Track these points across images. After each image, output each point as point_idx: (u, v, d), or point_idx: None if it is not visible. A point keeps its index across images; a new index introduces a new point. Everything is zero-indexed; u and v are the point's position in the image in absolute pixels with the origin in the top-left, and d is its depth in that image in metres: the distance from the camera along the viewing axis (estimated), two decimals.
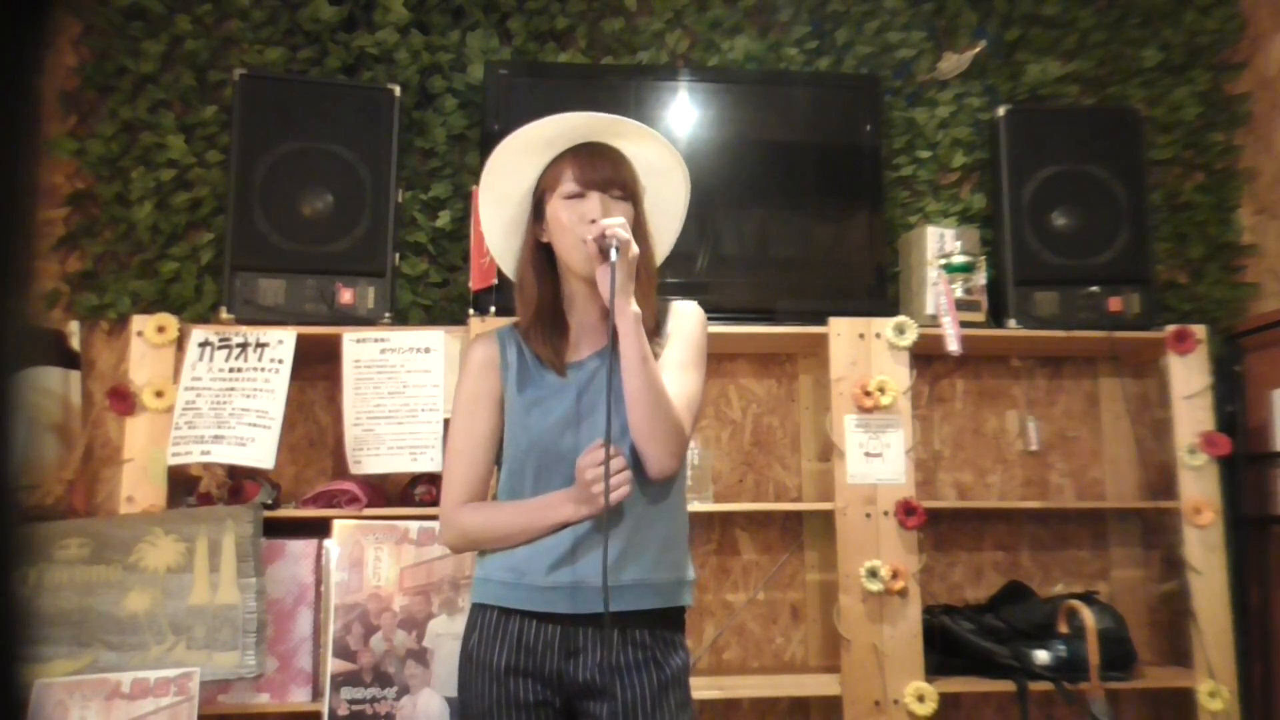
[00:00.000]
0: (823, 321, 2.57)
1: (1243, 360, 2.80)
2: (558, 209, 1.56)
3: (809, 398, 2.83)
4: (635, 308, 1.48)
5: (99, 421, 2.62)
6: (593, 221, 1.51)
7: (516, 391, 1.59)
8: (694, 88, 2.76)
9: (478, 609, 1.59)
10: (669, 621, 1.57)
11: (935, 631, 2.53)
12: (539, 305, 1.59)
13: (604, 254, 1.46)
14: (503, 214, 1.64)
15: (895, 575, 2.44)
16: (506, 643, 1.53)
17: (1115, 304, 2.64)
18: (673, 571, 1.57)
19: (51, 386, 2.57)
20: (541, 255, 1.61)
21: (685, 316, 1.64)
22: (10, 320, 0.43)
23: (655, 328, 1.61)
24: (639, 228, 1.57)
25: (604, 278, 1.46)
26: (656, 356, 1.56)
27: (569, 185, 1.55)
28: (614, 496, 1.43)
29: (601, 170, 1.55)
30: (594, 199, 1.54)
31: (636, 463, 1.53)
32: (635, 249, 1.48)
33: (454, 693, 2.04)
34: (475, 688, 1.54)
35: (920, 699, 2.39)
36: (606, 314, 1.51)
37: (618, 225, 1.47)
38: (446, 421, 2.38)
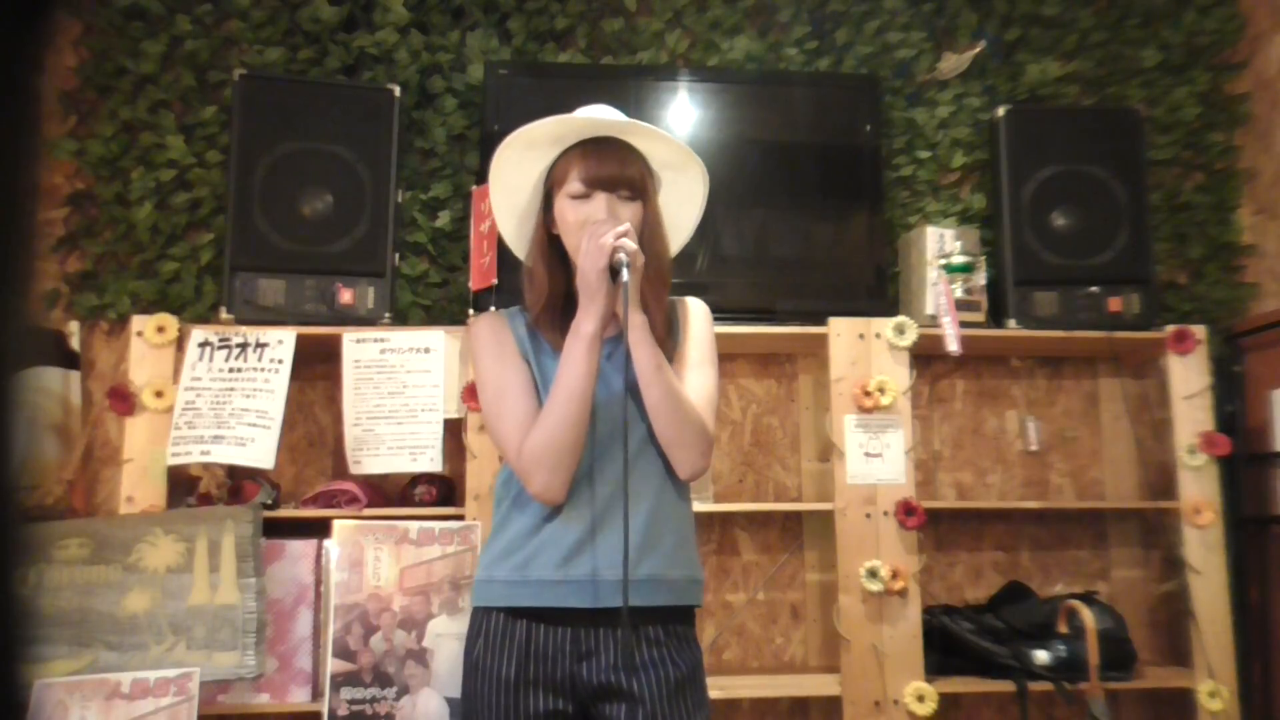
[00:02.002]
0: (823, 321, 2.57)
1: (1242, 360, 2.80)
2: (564, 208, 1.52)
3: (809, 398, 2.83)
4: (641, 315, 1.47)
5: (99, 421, 2.62)
6: (596, 223, 1.47)
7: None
8: (694, 88, 2.76)
9: (481, 613, 1.53)
10: (682, 618, 1.54)
11: (935, 631, 2.53)
12: (550, 295, 1.55)
13: (614, 272, 1.44)
14: (514, 202, 1.61)
15: (895, 575, 2.44)
16: (514, 650, 1.47)
17: (1115, 304, 2.64)
18: (686, 569, 1.54)
19: (51, 386, 2.57)
20: (552, 246, 1.57)
21: (695, 314, 1.63)
22: (10, 320, 0.43)
23: (668, 327, 1.58)
24: (650, 226, 1.54)
25: (618, 294, 1.45)
26: (671, 357, 1.54)
27: (575, 185, 1.51)
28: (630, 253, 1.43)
29: (608, 168, 1.50)
30: (600, 200, 1.50)
31: (656, 459, 1.52)
32: (642, 258, 1.46)
33: (454, 693, 2.05)
34: (483, 698, 1.48)
35: (920, 699, 2.39)
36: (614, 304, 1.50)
37: (624, 238, 1.43)
38: (447, 422, 2.39)
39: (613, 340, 1.54)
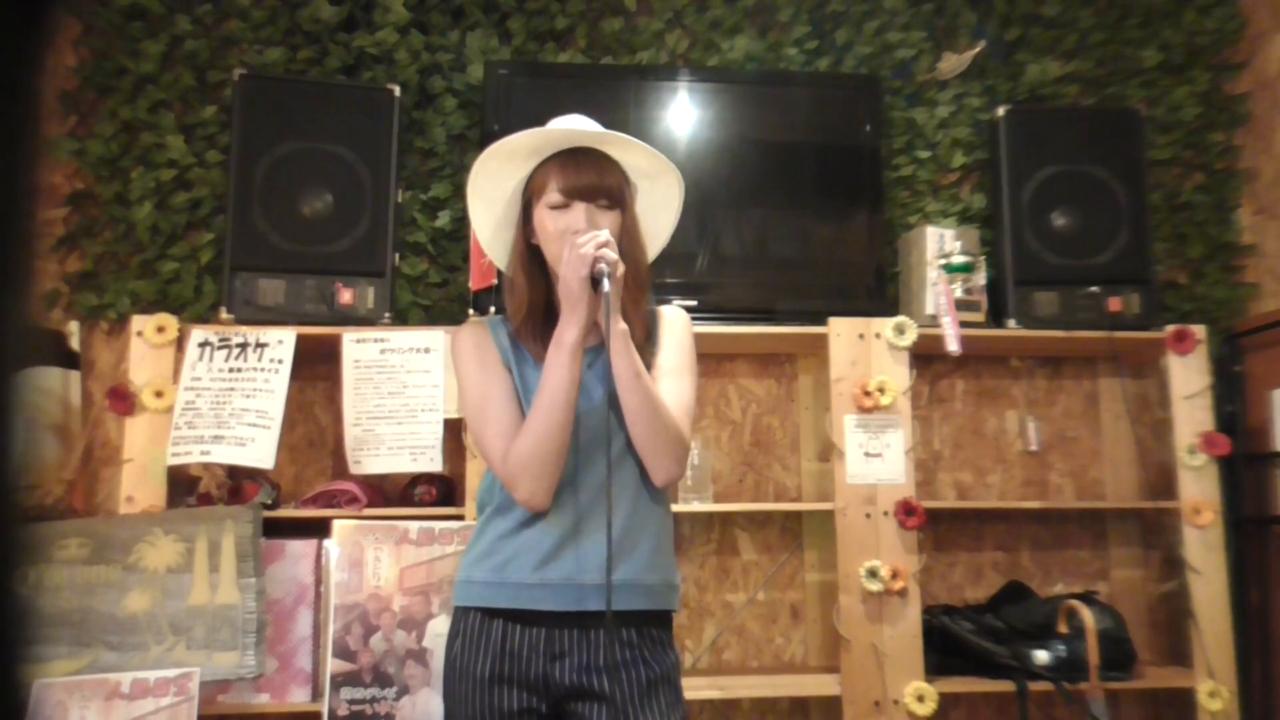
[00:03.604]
0: (822, 321, 2.57)
1: (1243, 360, 2.80)
2: (544, 218, 1.54)
3: (809, 398, 2.83)
4: (622, 324, 1.48)
5: (99, 421, 2.62)
6: (576, 233, 1.48)
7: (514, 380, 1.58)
8: (694, 88, 2.76)
9: (460, 613, 1.56)
10: (657, 622, 1.56)
11: (935, 631, 2.53)
12: (531, 305, 1.58)
13: (595, 281, 1.45)
14: (492, 213, 1.63)
15: (895, 575, 2.44)
16: (489, 649, 1.50)
17: (1115, 304, 2.64)
18: (663, 574, 1.56)
19: (51, 386, 2.57)
20: (532, 256, 1.59)
21: (674, 323, 1.65)
22: (10, 320, 0.43)
23: (646, 335, 1.59)
24: (628, 234, 1.55)
25: (600, 303, 1.46)
26: (649, 365, 1.55)
27: (553, 195, 1.53)
28: (610, 262, 1.44)
29: (586, 178, 1.52)
30: (578, 210, 1.52)
31: (634, 467, 1.53)
32: (622, 266, 1.48)
33: None
34: (459, 695, 1.52)
35: (920, 699, 2.39)
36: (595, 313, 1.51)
37: (605, 246, 1.44)
38: (447, 422, 2.39)
39: (594, 350, 1.57)
